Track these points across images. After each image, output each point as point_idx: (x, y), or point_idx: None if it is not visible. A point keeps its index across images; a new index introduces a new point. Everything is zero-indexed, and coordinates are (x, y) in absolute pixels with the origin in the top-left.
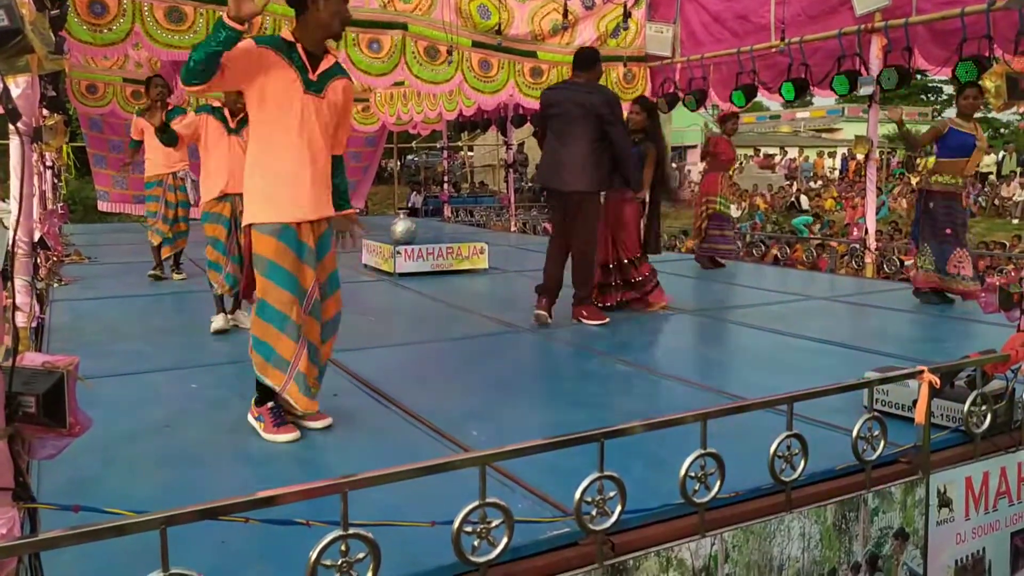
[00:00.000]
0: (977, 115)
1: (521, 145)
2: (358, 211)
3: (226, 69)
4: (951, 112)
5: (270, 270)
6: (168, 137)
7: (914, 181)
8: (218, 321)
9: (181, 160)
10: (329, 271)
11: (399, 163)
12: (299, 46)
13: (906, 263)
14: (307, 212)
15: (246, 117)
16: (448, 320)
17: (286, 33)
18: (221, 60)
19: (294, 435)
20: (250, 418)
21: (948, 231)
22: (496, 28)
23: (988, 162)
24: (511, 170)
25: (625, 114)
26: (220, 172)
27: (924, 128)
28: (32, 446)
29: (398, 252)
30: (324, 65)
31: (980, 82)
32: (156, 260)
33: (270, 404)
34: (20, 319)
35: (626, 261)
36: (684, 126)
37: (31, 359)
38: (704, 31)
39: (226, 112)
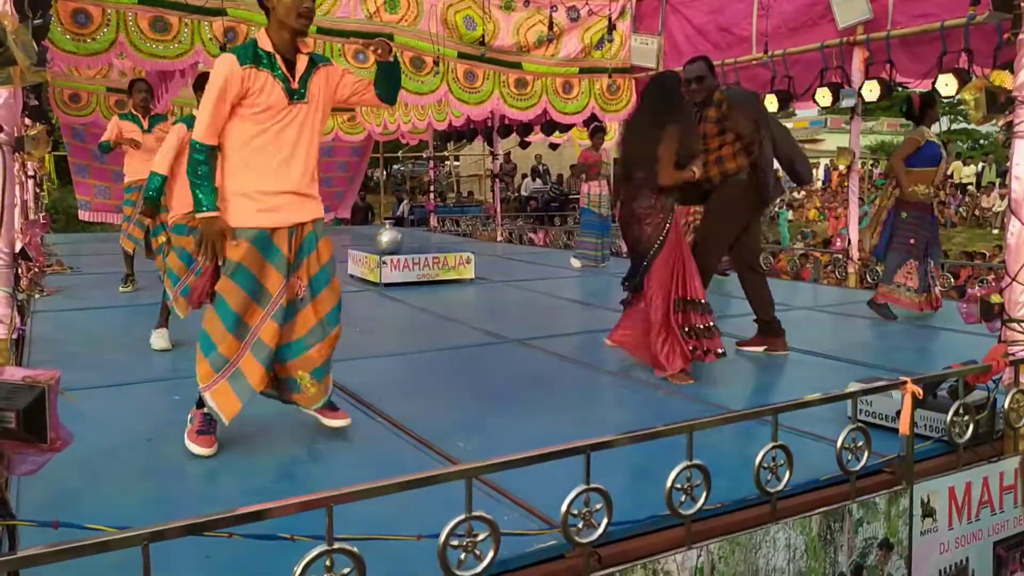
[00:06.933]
0: (956, 127)
1: (508, 155)
2: (342, 220)
3: (222, 118)
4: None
5: (235, 271)
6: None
7: (890, 191)
8: (161, 339)
9: None
10: (312, 273)
11: (385, 173)
12: (278, 56)
13: None
14: (285, 218)
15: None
16: (434, 331)
17: (264, 41)
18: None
19: (205, 451)
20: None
21: (912, 241)
22: (481, 39)
23: (968, 173)
24: (497, 180)
25: None
26: None
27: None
28: (11, 462)
29: (384, 262)
30: (301, 67)
31: (960, 95)
32: (128, 269)
33: (204, 409)
34: (0, 331)
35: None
36: None
37: (11, 373)
38: (687, 43)
39: None
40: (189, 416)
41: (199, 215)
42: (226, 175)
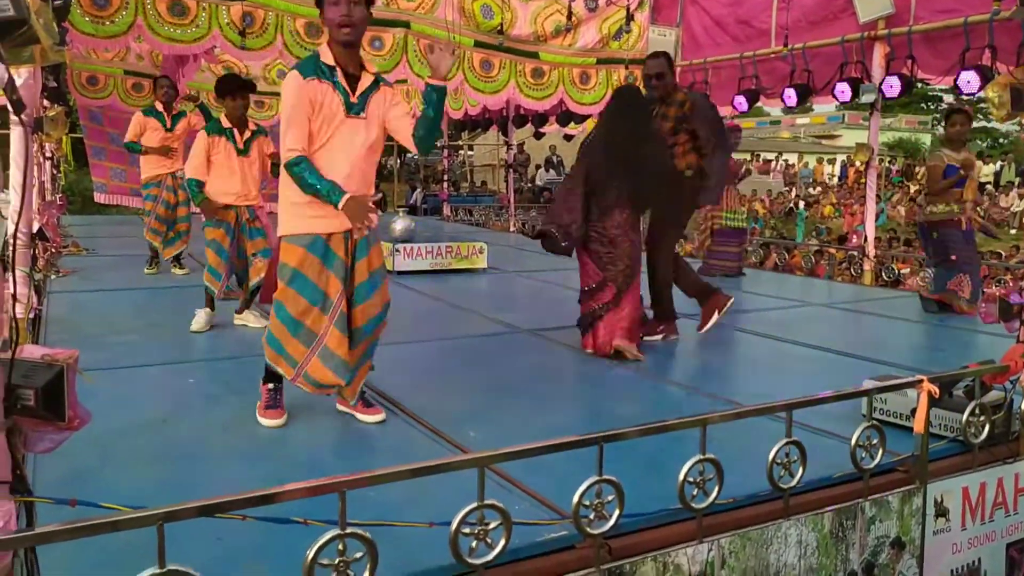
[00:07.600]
0: (976, 125)
1: (521, 145)
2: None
3: (305, 127)
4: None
5: (292, 279)
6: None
7: (913, 189)
8: (200, 319)
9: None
10: (359, 280)
11: (399, 161)
12: (339, 70)
13: (902, 271)
14: (340, 224)
15: (253, 134)
16: (447, 320)
17: (326, 55)
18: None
19: (275, 422)
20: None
21: (954, 258)
22: (498, 28)
23: (987, 172)
24: (511, 170)
25: None
26: (227, 189)
27: (923, 137)
28: (29, 439)
29: (397, 250)
30: (363, 85)
31: (983, 92)
32: (153, 251)
33: (270, 385)
34: (18, 310)
35: None
36: None
37: (30, 352)
38: (705, 35)
39: (235, 133)
40: (260, 391)
41: (339, 206)
42: (284, 183)
